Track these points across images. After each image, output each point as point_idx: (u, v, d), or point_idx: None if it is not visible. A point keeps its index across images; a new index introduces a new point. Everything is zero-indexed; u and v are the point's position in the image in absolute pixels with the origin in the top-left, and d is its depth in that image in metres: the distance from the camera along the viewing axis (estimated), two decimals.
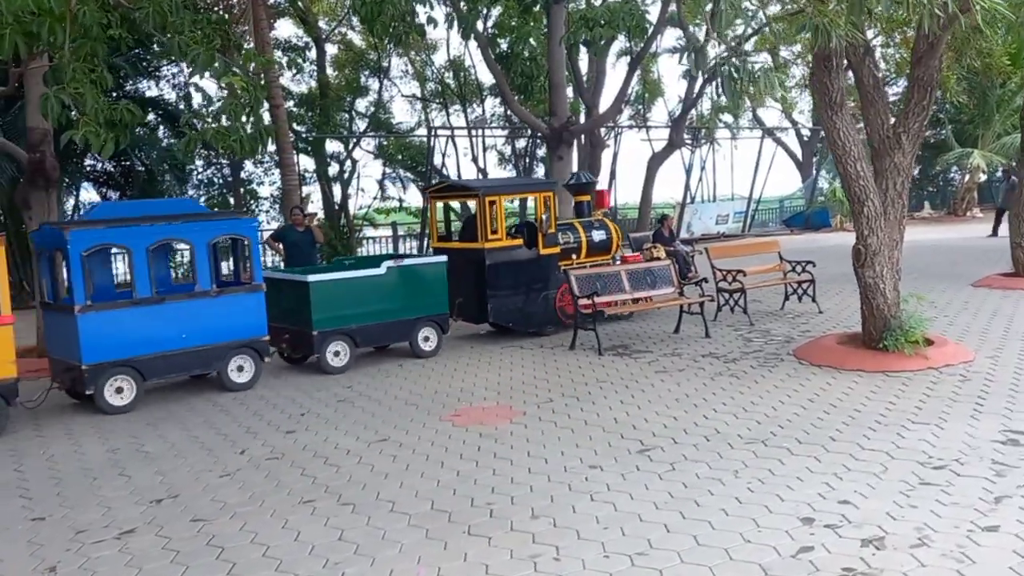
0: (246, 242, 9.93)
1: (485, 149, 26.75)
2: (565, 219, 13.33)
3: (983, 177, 32.64)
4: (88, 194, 19.62)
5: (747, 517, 5.32)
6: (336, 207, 23.86)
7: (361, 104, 25.68)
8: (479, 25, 18.50)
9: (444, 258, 11.29)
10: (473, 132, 25.47)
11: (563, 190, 14.59)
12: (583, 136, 22.28)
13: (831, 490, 5.71)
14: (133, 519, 5.87)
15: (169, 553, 5.27)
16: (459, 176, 25.53)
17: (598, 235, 13.01)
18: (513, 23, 20.76)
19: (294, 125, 22.58)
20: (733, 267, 12.86)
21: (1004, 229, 17.65)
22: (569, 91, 22.01)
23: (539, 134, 20.48)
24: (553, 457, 6.74)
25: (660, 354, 10.46)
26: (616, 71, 29.63)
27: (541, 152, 26.02)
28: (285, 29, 41.56)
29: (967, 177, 32.43)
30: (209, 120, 8.90)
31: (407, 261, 11.19)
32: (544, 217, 12.09)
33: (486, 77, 25.20)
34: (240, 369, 9.61)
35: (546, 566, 4.82)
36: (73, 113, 7.97)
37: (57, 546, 5.48)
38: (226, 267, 12.78)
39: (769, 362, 9.68)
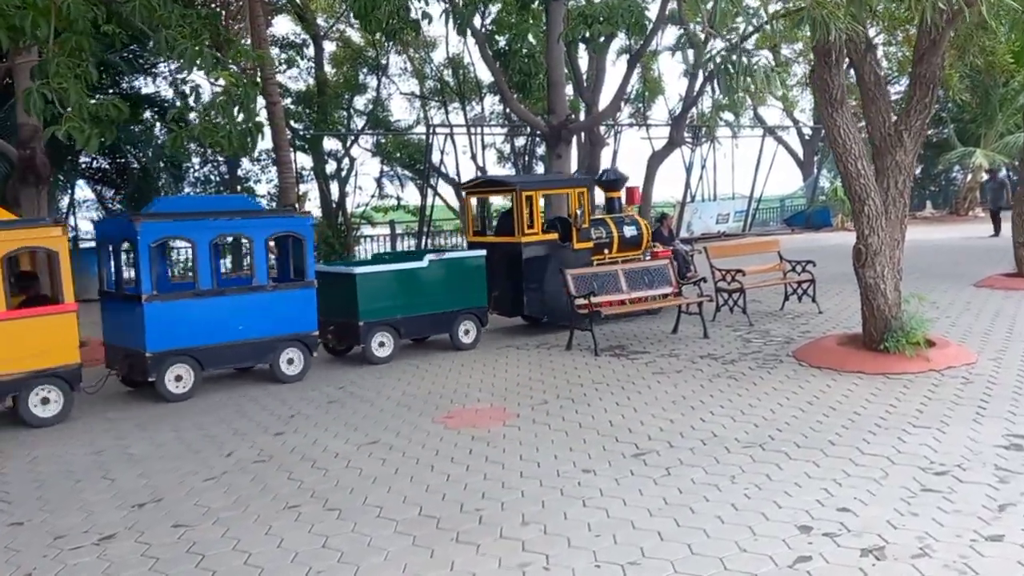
0: (301, 239, 10.05)
1: (484, 147, 26.63)
2: (597, 215, 13.47)
3: (985, 176, 32.45)
4: (82, 191, 19.48)
5: (743, 525, 5.17)
6: (334, 205, 23.71)
7: (359, 102, 25.55)
8: (477, 22, 18.34)
9: (483, 252, 11.51)
10: (472, 130, 25.31)
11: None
12: (583, 134, 22.11)
13: (830, 496, 5.56)
14: (114, 524, 5.72)
15: (148, 560, 5.12)
16: (458, 174, 25.41)
17: (629, 231, 13.25)
18: (512, 20, 20.58)
19: (291, 123, 22.43)
20: (732, 267, 12.71)
21: (1007, 228, 17.47)
22: (569, 89, 21.83)
23: (538, 132, 20.32)
24: (546, 461, 6.58)
25: (657, 355, 10.30)
26: (616, 69, 29.41)
27: (540, 150, 25.87)
28: (283, 26, 41.38)
29: (969, 177, 32.26)
30: (201, 115, 8.71)
31: (448, 255, 11.53)
32: (578, 212, 12.31)
33: (485, 75, 25.08)
34: (290, 362, 9.79)
35: (535, 575, 4.67)
36: (68, 108, 7.81)
37: (34, 552, 5.33)
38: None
39: (768, 363, 9.53)
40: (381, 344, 10.57)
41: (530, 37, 20.61)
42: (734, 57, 6.90)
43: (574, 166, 20.03)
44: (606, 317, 11.45)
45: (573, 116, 19.77)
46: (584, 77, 22.74)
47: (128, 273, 10.09)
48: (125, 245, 9.60)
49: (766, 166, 30.40)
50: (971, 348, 9.54)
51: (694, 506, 5.52)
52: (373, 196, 26.59)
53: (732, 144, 31.21)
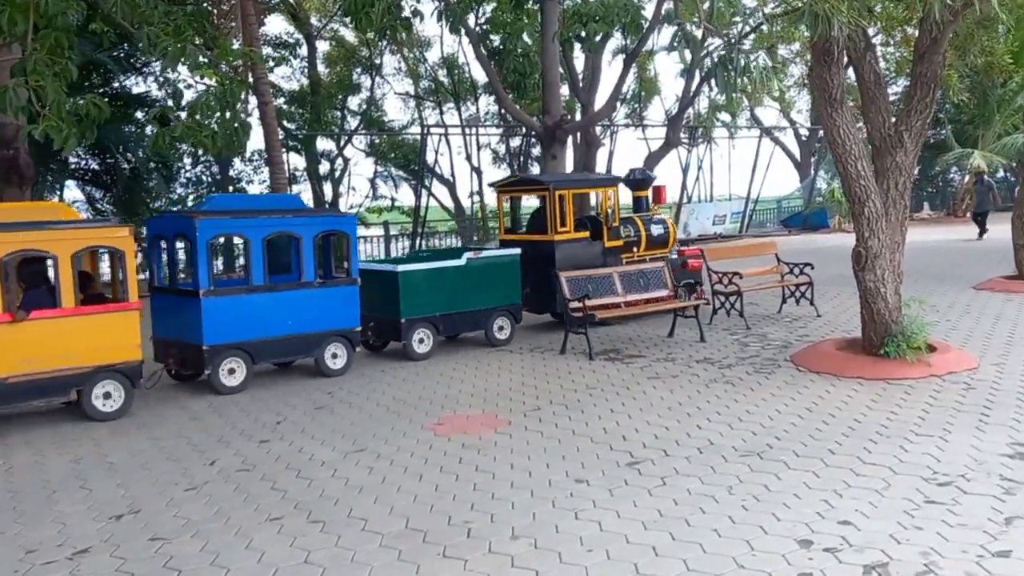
0: (346, 237, 10.38)
1: (479, 148, 26.43)
2: (625, 213, 13.66)
3: (973, 180, 32.36)
4: (71, 192, 19.23)
5: (741, 539, 4.98)
6: (327, 206, 23.48)
7: (353, 102, 25.29)
8: (471, 21, 18.16)
9: (518, 250, 11.68)
10: (467, 130, 25.11)
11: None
12: (578, 135, 21.92)
13: (831, 509, 5.37)
14: (89, 537, 5.51)
15: None
16: (452, 175, 25.27)
17: (656, 229, 13.47)
18: (506, 19, 20.37)
19: (284, 123, 22.21)
20: (729, 269, 12.52)
21: (1002, 231, 17.27)
22: (565, 89, 21.63)
23: (533, 132, 20.13)
24: (537, 470, 6.39)
25: (653, 359, 10.11)
26: (612, 69, 29.26)
27: (536, 151, 25.68)
28: (276, 25, 41.03)
29: (967, 178, 32.11)
30: (183, 115, 8.50)
31: (485, 253, 11.74)
32: (609, 211, 12.60)
33: (480, 75, 24.88)
34: (334, 356, 10.01)
35: None
36: (46, 107, 7.59)
37: (4, 567, 5.13)
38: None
39: (766, 368, 9.34)
40: (421, 340, 10.74)
41: (525, 36, 20.41)
42: (732, 55, 6.71)
43: (570, 167, 19.85)
44: (601, 320, 11.25)
45: (568, 116, 19.61)
46: (580, 77, 22.56)
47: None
48: (180, 242, 9.79)
49: (763, 167, 30.27)
50: (973, 353, 9.36)
51: (690, 518, 5.33)
52: (367, 197, 26.41)
53: (729, 145, 31.12)
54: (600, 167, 24.53)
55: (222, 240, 10.55)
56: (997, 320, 11.39)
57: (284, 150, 22.50)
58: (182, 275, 10.32)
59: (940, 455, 6.26)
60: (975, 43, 13.95)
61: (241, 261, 17.65)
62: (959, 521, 5.09)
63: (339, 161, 24.20)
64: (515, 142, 26.86)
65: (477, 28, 20.55)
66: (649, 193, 14.36)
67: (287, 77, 24.06)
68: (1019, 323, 11.12)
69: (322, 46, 24.87)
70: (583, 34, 14.57)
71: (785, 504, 5.48)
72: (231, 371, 9.29)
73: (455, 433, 7.47)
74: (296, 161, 23.28)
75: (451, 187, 26.47)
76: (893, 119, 9.23)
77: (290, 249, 10.10)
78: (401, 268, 10.65)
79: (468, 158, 24.96)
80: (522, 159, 26.41)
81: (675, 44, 24.16)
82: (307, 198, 23.16)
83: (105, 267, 10.88)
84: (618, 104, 26.87)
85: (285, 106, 23.13)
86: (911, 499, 5.46)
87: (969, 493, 5.51)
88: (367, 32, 19.70)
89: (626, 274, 11.36)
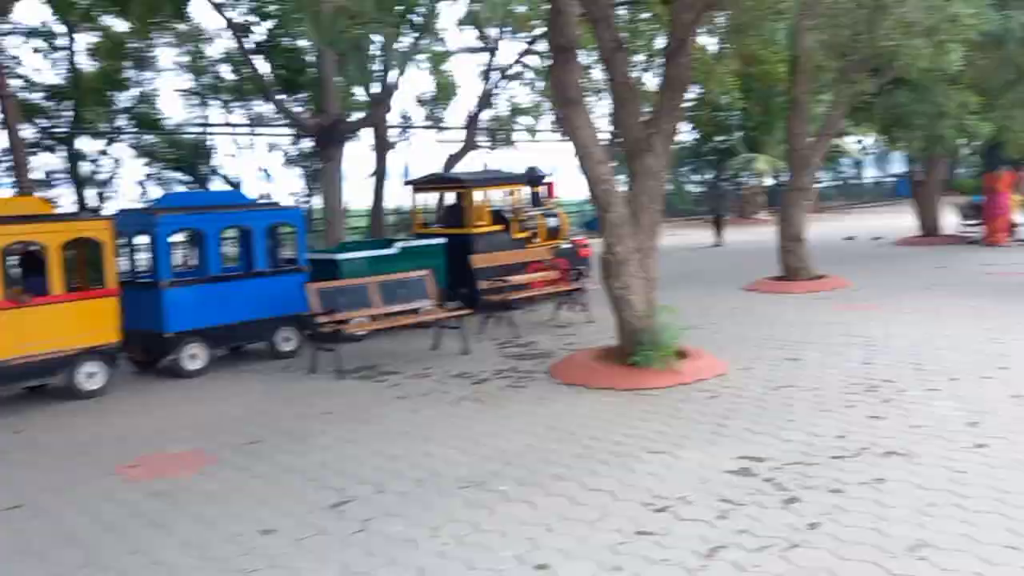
0: (293, 229, 11.37)
1: (271, 148, 24.96)
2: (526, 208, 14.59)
3: (770, 181, 34.14)
4: None
5: None
6: (87, 209, 21.24)
7: (125, 99, 23.09)
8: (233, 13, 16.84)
9: (444, 239, 12.92)
10: (252, 130, 23.64)
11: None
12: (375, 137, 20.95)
13: (534, 549, 4.83)
14: None
15: None
16: (239, 176, 23.78)
17: (552, 221, 14.78)
18: (272, 10, 19.10)
19: (35, 119, 20.03)
20: (503, 274, 12.06)
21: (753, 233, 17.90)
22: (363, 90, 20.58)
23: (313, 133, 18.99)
24: (223, 520, 5.50)
25: (408, 375, 9.42)
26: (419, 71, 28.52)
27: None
28: (34, 12, 37.35)
29: (752, 181, 33.78)
30: None
31: (413, 242, 12.87)
32: (519, 206, 14.00)
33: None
34: (287, 340, 10.70)
35: None
36: None
37: None
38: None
39: (521, 382, 8.86)
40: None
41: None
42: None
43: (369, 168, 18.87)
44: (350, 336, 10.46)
45: (346, 116, 18.69)
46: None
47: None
48: (142, 238, 10.20)
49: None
50: (727, 356, 9.26)
51: (376, 573, 4.64)
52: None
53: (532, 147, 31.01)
54: (420, 169, 23.75)
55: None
56: (758, 322, 11.50)
57: (37, 149, 20.31)
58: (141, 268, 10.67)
59: (666, 474, 5.91)
60: (744, 47, 14.33)
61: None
62: (663, 556, 4.67)
63: (106, 162, 22.07)
64: (309, 143, 25.50)
65: (243, 19, 19.22)
66: (543, 189, 15.14)
67: (47, 70, 21.62)
68: (777, 324, 11.27)
69: (89, 38, 22.54)
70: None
71: (486, 547, 4.90)
72: (192, 356, 9.81)
73: (148, 477, 6.45)
74: (53, 161, 20.96)
75: (238, 189, 24.80)
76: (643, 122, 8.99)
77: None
78: (340, 256, 11.66)
79: (256, 160, 23.45)
80: (311, 160, 25.08)
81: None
82: (68, 202, 20.88)
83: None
84: (418, 106, 26.31)
85: (42, 101, 20.84)
86: (622, 530, 5.02)
87: (683, 519, 5.14)
88: (133, 21, 18.07)
89: (385, 284, 10.59)
